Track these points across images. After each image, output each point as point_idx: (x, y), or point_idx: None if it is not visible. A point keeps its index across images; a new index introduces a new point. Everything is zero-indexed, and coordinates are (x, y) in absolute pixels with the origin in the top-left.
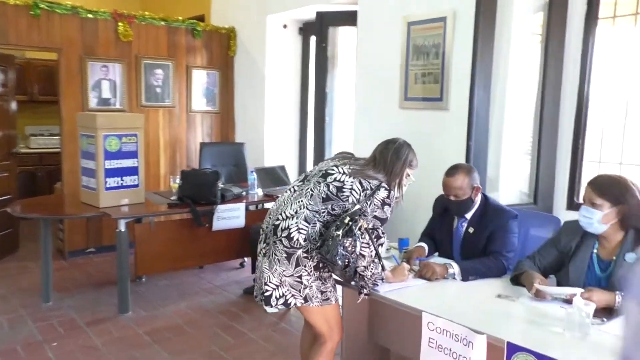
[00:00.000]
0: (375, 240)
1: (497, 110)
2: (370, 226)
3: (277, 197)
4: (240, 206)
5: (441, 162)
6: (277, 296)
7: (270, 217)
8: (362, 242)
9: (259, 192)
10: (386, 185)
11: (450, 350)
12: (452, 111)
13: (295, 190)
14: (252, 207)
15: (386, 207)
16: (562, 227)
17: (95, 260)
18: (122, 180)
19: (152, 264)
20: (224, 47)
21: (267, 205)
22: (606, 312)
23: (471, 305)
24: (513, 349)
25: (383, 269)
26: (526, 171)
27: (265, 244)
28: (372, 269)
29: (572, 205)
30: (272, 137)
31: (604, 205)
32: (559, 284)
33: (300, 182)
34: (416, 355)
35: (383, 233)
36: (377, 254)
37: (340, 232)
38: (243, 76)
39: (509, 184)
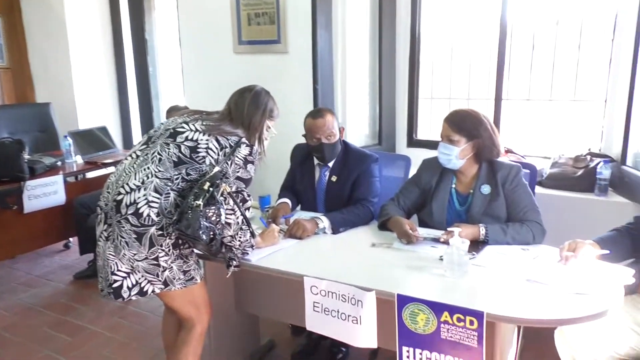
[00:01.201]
0: (241, 204)
1: (339, 51)
2: (233, 189)
3: (102, 163)
4: (57, 179)
5: (287, 108)
6: (130, 285)
7: (109, 192)
8: (227, 209)
9: (78, 160)
10: (247, 141)
11: (338, 312)
12: (292, 54)
13: (137, 156)
14: (71, 179)
15: (249, 166)
16: (421, 165)
17: None
18: None
19: None
20: None
21: (90, 174)
22: (472, 246)
23: (350, 260)
24: (403, 300)
25: (253, 235)
26: (366, 112)
27: (106, 225)
28: (240, 237)
29: (412, 142)
30: (84, 94)
31: (461, 140)
32: (422, 222)
33: (143, 145)
34: (290, 317)
35: (249, 195)
36: (245, 220)
37: (200, 202)
38: (36, 22)
39: (354, 127)
